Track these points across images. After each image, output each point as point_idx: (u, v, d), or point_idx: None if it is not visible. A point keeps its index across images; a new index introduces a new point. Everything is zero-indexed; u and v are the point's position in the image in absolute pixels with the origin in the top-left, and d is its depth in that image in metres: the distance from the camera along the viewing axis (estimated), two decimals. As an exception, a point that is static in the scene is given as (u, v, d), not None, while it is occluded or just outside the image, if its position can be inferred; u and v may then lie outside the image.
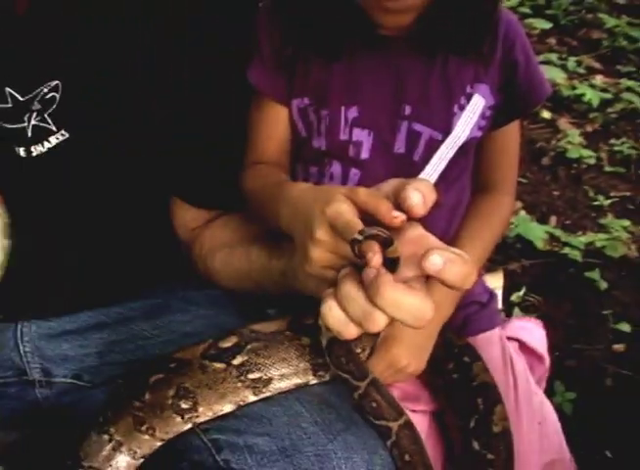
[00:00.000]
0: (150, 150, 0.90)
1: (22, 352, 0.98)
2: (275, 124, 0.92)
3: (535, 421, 0.98)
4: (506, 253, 1.46)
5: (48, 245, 0.92)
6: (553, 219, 1.59)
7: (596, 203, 1.66)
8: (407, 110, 0.87)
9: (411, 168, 0.84)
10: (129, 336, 0.95)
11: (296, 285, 0.72)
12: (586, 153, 1.82)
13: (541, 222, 1.56)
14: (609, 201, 1.66)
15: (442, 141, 0.85)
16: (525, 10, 2.66)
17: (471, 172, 0.96)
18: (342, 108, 0.87)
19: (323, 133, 0.90)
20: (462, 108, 0.86)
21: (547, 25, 2.51)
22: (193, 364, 0.74)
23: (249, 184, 0.87)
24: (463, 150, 0.87)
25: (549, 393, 1.09)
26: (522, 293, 1.37)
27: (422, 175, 0.81)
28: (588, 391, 1.21)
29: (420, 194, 0.57)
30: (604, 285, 1.41)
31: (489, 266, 1.15)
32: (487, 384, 0.88)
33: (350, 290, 0.55)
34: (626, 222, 1.54)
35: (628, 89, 2.13)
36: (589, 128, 1.98)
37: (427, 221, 0.61)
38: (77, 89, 0.86)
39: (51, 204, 0.88)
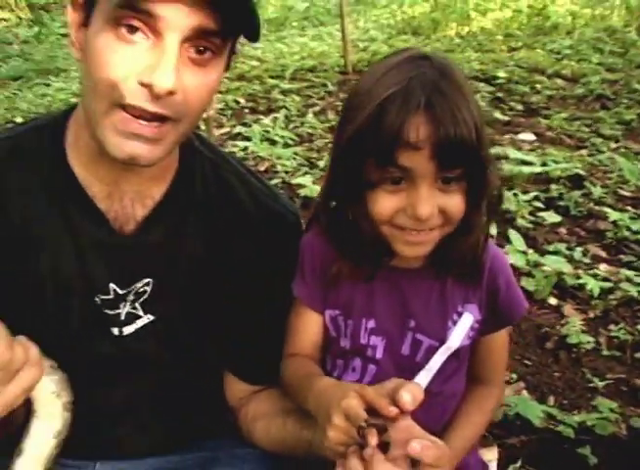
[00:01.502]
0: (212, 333, 1.10)
1: None
2: (311, 326, 1.11)
3: None
4: (506, 428, 1.66)
5: (128, 400, 1.09)
6: (551, 399, 1.80)
7: (592, 384, 1.85)
8: (412, 323, 1.05)
9: (413, 367, 0.95)
10: None
11: (319, 452, 0.91)
12: (585, 338, 2.03)
13: (540, 401, 1.76)
14: (604, 382, 1.85)
15: (438, 348, 0.94)
16: (539, 204, 2.96)
17: (465, 369, 1.11)
18: (363, 319, 1.06)
19: (348, 336, 1.08)
20: (454, 323, 1.00)
21: (557, 219, 2.81)
22: None
23: (286, 372, 1.08)
24: (456, 354, 0.98)
25: None
26: (518, 465, 1.54)
27: (416, 379, 0.88)
28: None
29: (410, 395, 0.78)
30: (594, 460, 1.56)
31: (485, 442, 1.37)
32: None
33: (354, 463, 0.80)
34: (614, 404, 1.73)
35: (627, 279, 2.34)
36: (591, 314, 2.20)
37: (425, 409, 0.79)
38: (163, 286, 1.06)
39: (133, 369, 1.07)
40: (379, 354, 1.07)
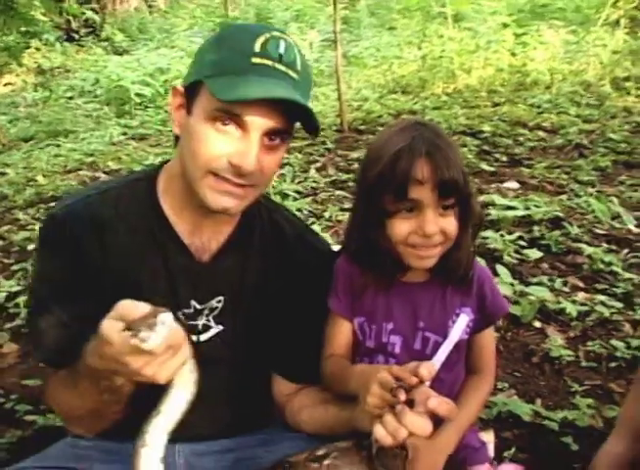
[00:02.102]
0: (267, 340, 1.39)
1: (181, 461, 1.39)
2: (343, 332, 1.42)
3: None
4: (500, 424, 1.99)
5: (203, 393, 1.18)
6: (538, 401, 2.13)
7: (572, 389, 2.19)
8: (421, 324, 1.37)
9: (424, 358, 1.16)
10: (250, 455, 1.39)
11: (356, 425, 1.22)
12: (566, 352, 2.38)
13: (528, 403, 2.10)
14: (582, 388, 2.19)
15: (442, 343, 1.18)
16: (523, 243, 3.32)
17: (464, 361, 1.43)
18: (384, 323, 1.38)
19: (372, 337, 1.39)
20: (454, 322, 1.25)
21: (539, 255, 3.17)
22: (299, 464, 1.25)
23: (327, 370, 1.39)
24: (457, 347, 1.22)
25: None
26: (512, 451, 1.87)
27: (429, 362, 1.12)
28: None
29: (426, 369, 1.07)
30: (575, 447, 1.89)
31: (484, 427, 1.69)
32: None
33: (389, 417, 1.11)
34: (591, 400, 2.06)
35: (602, 303, 2.70)
36: (571, 334, 2.55)
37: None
38: (231, 303, 1.35)
39: (208, 368, 1.19)
40: (397, 350, 1.39)
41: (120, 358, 0.97)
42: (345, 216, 3.48)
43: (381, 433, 1.10)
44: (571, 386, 2.20)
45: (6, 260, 3.51)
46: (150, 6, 17.29)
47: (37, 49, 10.93)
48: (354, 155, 5.11)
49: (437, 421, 1.17)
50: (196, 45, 10.82)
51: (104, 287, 1.28)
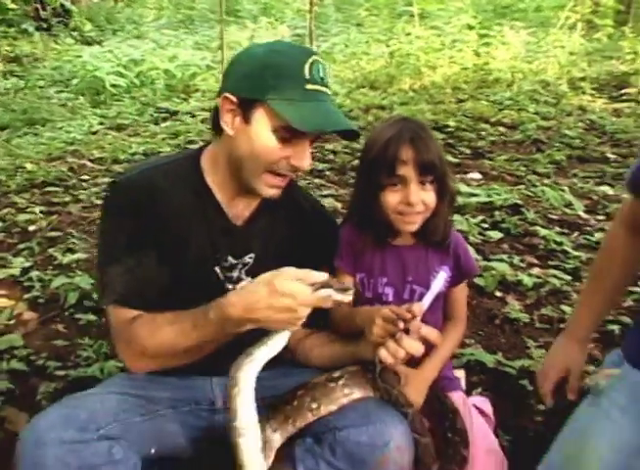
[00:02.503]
0: None
1: (217, 393, 1.69)
2: None
3: (484, 445, 1.79)
4: (469, 370, 2.36)
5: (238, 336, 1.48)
6: (500, 354, 2.53)
7: (528, 345, 2.60)
8: (409, 278, 1.72)
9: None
10: (273, 384, 1.57)
11: (360, 356, 1.57)
12: (523, 316, 2.79)
13: (492, 354, 2.50)
14: (537, 343, 2.60)
15: (426, 293, 1.51)
16: (486, 225, 3.74)
17: (442, 309, 1.79)
18: (380, 278, 1.74)
19: (371, 289, 1.74)
20: (435, 277, 1.52)
21: (499, 236, 3.60)
22: (320, 384, 1.55)
23: (336, 314, 1.70)
24: (437, 298, 1.55)
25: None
26: (479, 390, 2.27)
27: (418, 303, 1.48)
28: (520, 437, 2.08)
29: (417, 307, 1.43)
30: (530, 388, 2.28)
31: (456, 366, 2.08)
32: (456, 410, 1.71)
33: (390, 343, 1.46)
34: (543, 351, 2.47)
35: (554, 276, 3.13)
36: (527, 301, 2.96)
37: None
38: (260, 259, 1.65)
39: None
40: (390, 299, 1.74)
41: (299, 308, 1.36)
42: (325, 201, 3.83)
43: (384, 354, 1.48)
44: (527, 342, 2.61)
45: (10, 240, 3.77)
46: (116, -6, 17.31)
47: (7, 37, 10.99)
48: (329, 146, 5.48)
49: (425, 351, 1.55)
50: (166, 37, 11.04)
51: (161, 243, 1.60)
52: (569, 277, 3.13)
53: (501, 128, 6.18)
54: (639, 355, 1.47)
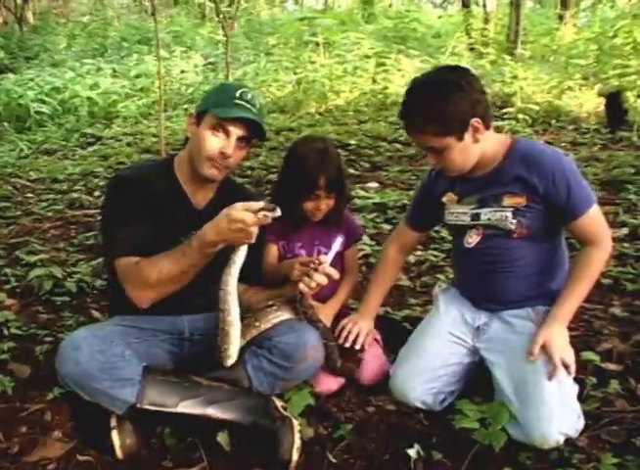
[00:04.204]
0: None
1: (185, 326, 2.42)
2: (272, 251, 2.72)
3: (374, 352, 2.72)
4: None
5: (196, 279, 2.23)
6: (388, 308, 3.40)
7: (410, 302, 3.48)
8: (317, 242, 2.69)
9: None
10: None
11: (285, 295, 2.49)
12: (407, 283, 3.69)
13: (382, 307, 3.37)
14: (417, 301, 3.50)
15: (328, 252, 2.32)
16: (380, 220, 4.69)
17: (340, 268, 2.80)
18: (296, 243, 2.70)
19: (289, 252, 2.71)
20: (334, 241, 2.32)
21: (390, 227, 4.52)
22: (260, 309, 2.43)
23: (266, 269, 2.65)
24: (336, 256, 2.38)
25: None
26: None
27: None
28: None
29: (324, 257, 2.38)
30: (410, 328, 3.16)
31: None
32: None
33: (305, 278, 2.35)
34: (421, 304, 3.36)
35: (433, 255, 4.06)
36: (411, 274, 3.88)
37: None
38: None
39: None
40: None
41: (248, 228, 1.98)
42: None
43: (302, 286, 2.36)
44: (409, 300, 3.48)
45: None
46: (19, 19, 17.54)
47: None
48: (247, 163, 6.31)
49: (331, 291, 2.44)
50: (87, 66, 11.60)
51: (147, 216, 2.37)
52: (444, 255, 4.06)
53: (397, 145, 7.09)
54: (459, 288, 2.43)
